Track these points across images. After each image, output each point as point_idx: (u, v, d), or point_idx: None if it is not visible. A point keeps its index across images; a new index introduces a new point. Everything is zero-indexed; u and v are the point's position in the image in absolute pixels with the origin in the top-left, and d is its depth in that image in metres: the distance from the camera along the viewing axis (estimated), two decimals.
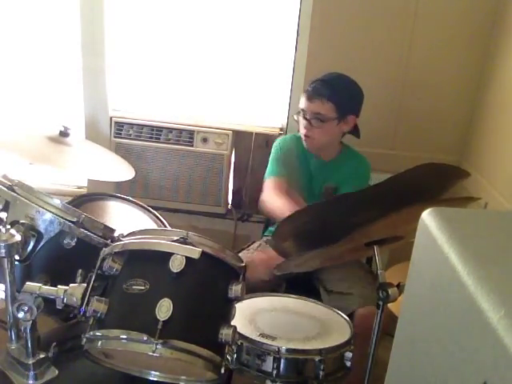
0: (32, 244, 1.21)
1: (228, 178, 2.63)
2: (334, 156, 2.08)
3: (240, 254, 1.93)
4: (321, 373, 1.31)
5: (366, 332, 1.41)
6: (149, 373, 1.13)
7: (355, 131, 2.07)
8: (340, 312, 1.55)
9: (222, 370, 1.06)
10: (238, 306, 1.17)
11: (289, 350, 1.32)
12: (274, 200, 1.93)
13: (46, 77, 2.69)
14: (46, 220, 1.21)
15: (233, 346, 1.14)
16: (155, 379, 1.12)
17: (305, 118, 1.95)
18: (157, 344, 0.97)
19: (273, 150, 2.12)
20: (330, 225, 1.31)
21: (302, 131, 1.98)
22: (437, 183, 1.27)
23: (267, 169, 2.11)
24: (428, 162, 1.21)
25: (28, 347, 1.10)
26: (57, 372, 1.14)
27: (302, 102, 1.97)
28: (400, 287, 1.29)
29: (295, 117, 2.00)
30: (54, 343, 1.15)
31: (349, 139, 2.12)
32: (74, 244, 1.23)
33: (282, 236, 1.46)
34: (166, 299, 1.00)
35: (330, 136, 2.00)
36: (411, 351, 0.76)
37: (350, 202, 1.32)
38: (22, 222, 1.19)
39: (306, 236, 1.39)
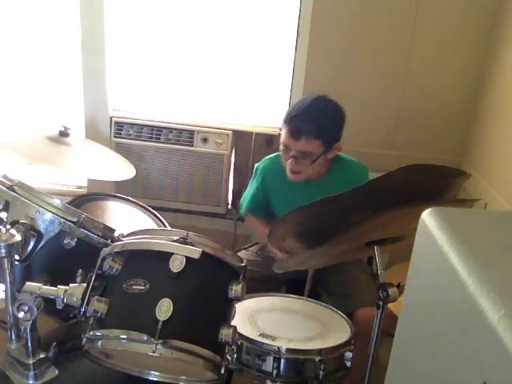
0: (32, 244, 1.21)
1: (228, 177, 2.63)
2: (324, 174, 1.90)
3: (239, 254, 1.95)
4: (321, 373, 1.31)
5: (365, 333, 1.41)
6: (149, 373, 1.13)
7: None
8: (340, 312, 1.55)
9: (222, 370, 1.06)
10: (238, 305, 1.17)
11: (289, 350, 1.32)
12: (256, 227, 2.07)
13: (46, 77, 2.69)
14: (46, 220, 1.21)
15: (233, 346, 1.13)
16: (155, 379, 1.12)
17: (289, 154, 1.78)
18: (157, 344, 0.97)
19: (253, 176, 2.05)
20: (325, 225, 1.31)
21: (288, 166, 1.80)
22: (432, 184, 1.27)
23: (244, 196, 2.09)
24: (412, 164, 1.22)
25: (28, 347, 1.10)
26: (57, 372, 1.14)
27: (285, 137, 1.77)
28: (400, 287, 1.29)
29: (280, 148, 1.83)
30: (54, 343, 1.15)
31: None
32: (74, 244, 1.23)
33: (277, 238, 1.46)
34: (166, 299, 1.00)
35: (318, 169, 1.85)
36: (411, 351, 0.76)
37: (339, 203, 1.32)
38: (22, 221, 1.19)
39: (304, 235, 1.39)
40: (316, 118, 1.75)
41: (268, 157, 2.01)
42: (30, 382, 1.11)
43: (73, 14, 2.46)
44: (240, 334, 1.30)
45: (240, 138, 2.62)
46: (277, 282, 1.90)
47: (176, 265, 1.04)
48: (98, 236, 1.24)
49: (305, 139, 1.73)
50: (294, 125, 1.75)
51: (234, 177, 2.69)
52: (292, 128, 1.75)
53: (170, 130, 2.57)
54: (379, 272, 1.32)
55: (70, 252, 1.23)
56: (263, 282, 1.88)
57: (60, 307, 1.07)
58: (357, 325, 1.52)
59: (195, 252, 1.05)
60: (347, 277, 1.89)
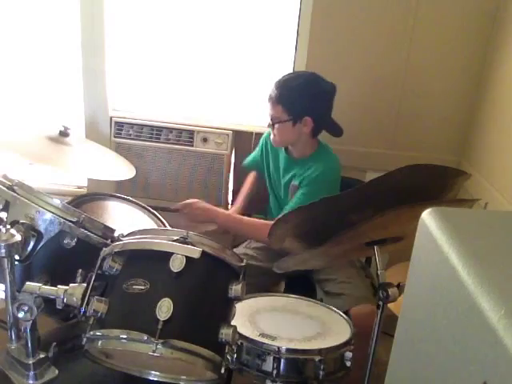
0: (32, 244, 1.21)
1: (228, 177, 2.62)
2: (307, 155, 2.01)
3: (237, 248, 1.96)
4: (321, 373, 1.31)
5: (362, 330, 1.41)
6: (149, 373, 1.13)
7: (334, 129, 1.99)
8: (340, 312, 1.55)
9: (222, 370, 1.06)
10: (238, 305, 1.17)
11: (289, 350, 1.33)
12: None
13: (46, 77, 2.69)
14: (46, 220, 1.21)
15: (233, 346, 1.13)
16: (155, 379, 1.12)
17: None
18: (157, 344, 0.97)
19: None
20: (325, 225, 1.31)
21: None
22: (432, 184, 1.27)
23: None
24: (412, 164, 1.22)
25: (28, 347, 1.10)
26: (57, 372, 1.14)
27: None
28: (400, 287, 1.29)
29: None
30: (54, 343, 1.15)
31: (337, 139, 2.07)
32: (74, 244, 1.23)
33: (277, 239, 1.46)
34: (166, 299, 1.01)
35: (288, 137, 1.98)
36: (411, 351, 0.76)
37: (339, 203, 1.32)
38: (22, 221, 1.19)
39: (304, 235, 1.39)
40: (282, 86, 1.91)
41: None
42: (30, 382, 1.11)
43: (73, 14, 2.46)
44: (240, 334, 1.30)
45: (240, 138, 2.62)
46: (276, 275, 1.91)
47: (176, 264, 1.04)
48: (98, 236, 1.24)
49: (270, 103, 1.94)
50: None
51: (234, 177, 2.69)
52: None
53: (170, 129, 2.57)
54: (379, 272, 1.32)
55: (70, 252, 1.23)
56: (262, 276, 1.89)
57: (60, 307, 1.07)
58: (353, 323, 1.52)
59: (195, 252, 1.05)
60: (339, 275, 1.90)
